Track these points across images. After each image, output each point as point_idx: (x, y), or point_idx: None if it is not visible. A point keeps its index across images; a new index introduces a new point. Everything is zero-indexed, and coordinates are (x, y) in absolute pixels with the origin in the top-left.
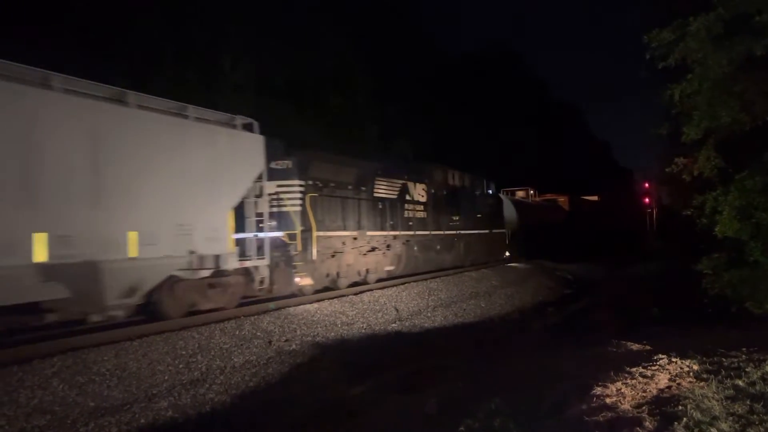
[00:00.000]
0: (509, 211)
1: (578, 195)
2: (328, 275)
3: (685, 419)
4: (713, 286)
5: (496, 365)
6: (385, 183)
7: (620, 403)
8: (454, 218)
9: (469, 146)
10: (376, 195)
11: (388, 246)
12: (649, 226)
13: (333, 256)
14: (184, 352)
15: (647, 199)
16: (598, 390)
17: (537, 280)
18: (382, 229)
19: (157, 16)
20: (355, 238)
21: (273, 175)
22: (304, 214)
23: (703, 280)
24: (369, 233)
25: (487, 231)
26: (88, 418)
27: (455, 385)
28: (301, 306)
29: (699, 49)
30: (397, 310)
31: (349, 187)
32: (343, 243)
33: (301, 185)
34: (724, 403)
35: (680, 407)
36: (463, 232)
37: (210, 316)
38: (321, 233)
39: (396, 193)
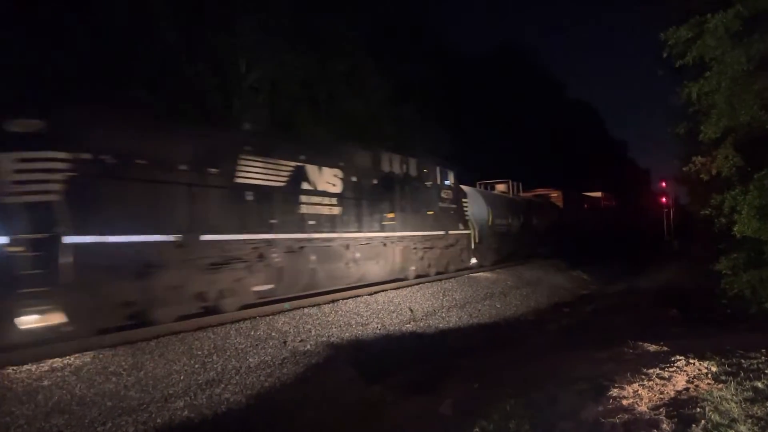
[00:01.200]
0: (479, 207)
1: (577, 190)
2: (110, 309)
3: (703, 421)
4: (732, 286)
5: (511, 366)
6: (259, 164)
7: (637, 404)
8: (388, 216)
9: (484, 146)
10: (240, 181)
11: (261, 256)
12: (667, 225)
13: (133, 276)
14: (200, 353)
15: (664, 199)
16: (614, 391)
17: (547, 283)
18: (248, 230)
19: (172, 17)
20: (180, 246)
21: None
22: (61, 206)
23: (722, 280)
24: (214, 237)
25: (441, 232)
26: (106, 418)
27: (470, 386)
28: (316, 306)
29: (717, 47)
30: (411, 311)
31: (181, 167)
32: (159, 253)
33: (55, 159)
34: (743, 405)
35: (698, 409)
36: (401, 234)
37: (225, 317)
38: (91, 239)
39: (283, 179)
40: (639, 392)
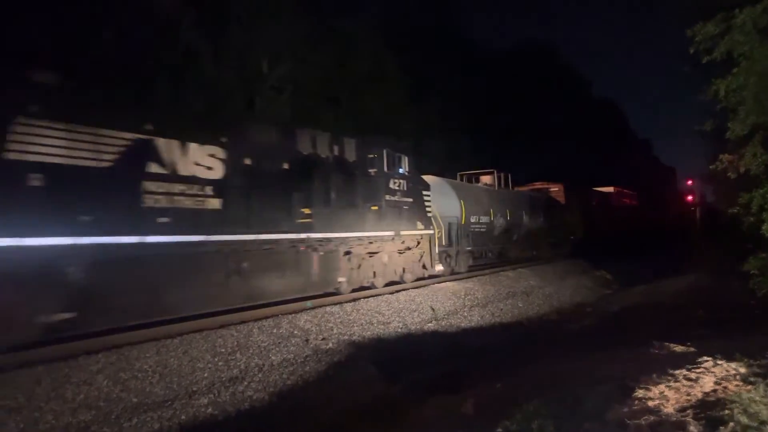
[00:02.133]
0: (448, 202)
1: (583, 185)
2: None
3: (731, 424)
4: (761, 287)
5: (534, 365)
6: (58, 134)
7: (663, 406)
8: (304, 212)
9: (505, 143)
10: (14, 157)
11: (54, 271)
12: (693, 224)
13: None
14: (223, 350)
15: (690, 197)
16: (640, 392)
17: (571, 282)
18: (29, 232)
19: (194, 17)
20: None
21: None
22: None
23: (750, 280)
24: None
25: (389, 233)
26: (131, 414)
27: (493, 386)
28: (338, 305)
29: (745, 42)
30: (433, 310)
31: None
32: None
33: None
34: None
35: (726, 411)
36: (322, 235)
37: (247, 315)
38: None
39: (109, 158)
40: (665, 393)
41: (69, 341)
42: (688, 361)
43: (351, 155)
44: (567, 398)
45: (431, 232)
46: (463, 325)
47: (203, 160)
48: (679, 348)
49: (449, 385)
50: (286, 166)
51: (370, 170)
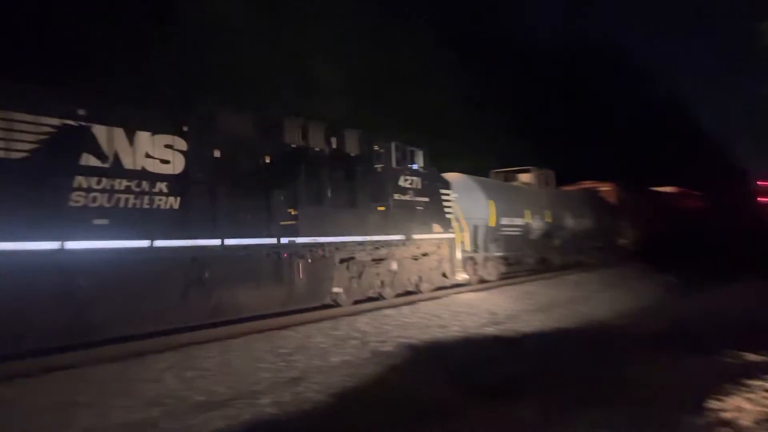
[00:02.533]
0: (475, 202)
1: (638, 184)
2: None
3: None
4: None
5: (598, 373)
6: None
7: (739, 418)
8: (291, 213)
9: (564, 144)
10: None
11: None
12: (766, 227)
13: None
14: (284, 350)
15: (764, 199)
16: (713, 404)
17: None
18: None
19: (243, 17)
20: None
21: None
22: None
23: None
24: None
25: (398, 237)
26: (197, 412)
27: (555, 393)
28: (395, 308)
29: None
30: (492, 314)
31: None
32: None
33: None
34: None
35: None
36: (310, 240)
37: (307, 316)
38: None
39: (27, 148)
40: (741, 405)
41: (139, 340)
42: (766, 372)
43: (353, 149)
44: (634, 408)
45: (452, 235)
46: (522, 329)
47: (157, 152)
48: (755, 357)
49: (509, 391)
50: (267, 159)
51: (376, 166)
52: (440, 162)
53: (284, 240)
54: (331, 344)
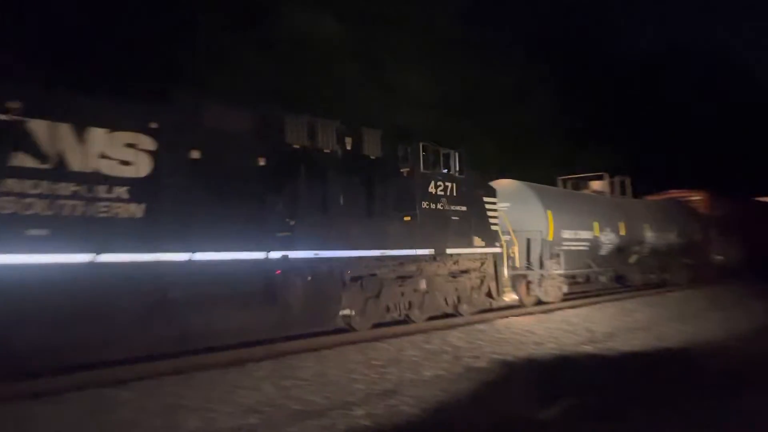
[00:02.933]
0: (528, 212)
1: (735, 194)
2: None
3: None
4: None
5: (710, 400)
6: None
7: None
8: (291, 223)
9: (659, 152)
10: None
11: None
12: None
13: None
14: (377, 362)
15: None
16: None
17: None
18: None
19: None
20: None
21: None
22: None
23: None
24: None
25: (426, 251)
26: (293, 421)
27: (659, 420)
28: (488, 323)
29: None
30: (590, 331)
31: None
32: None
33: None
34: None
35: None
36: (310, 255)
37: (399, 329)
38: None
39: None
40: None
41: (237, 348)
42: None
43: (373, 150)
44: None
45: (497, 250)
46: (622, 348)
47: (115, 152)
48: None
49: (607, 413)
50: (261, 162)
51: (401, 169)
52: (512, 170)
53: (275, 254)
54: (423, 358)
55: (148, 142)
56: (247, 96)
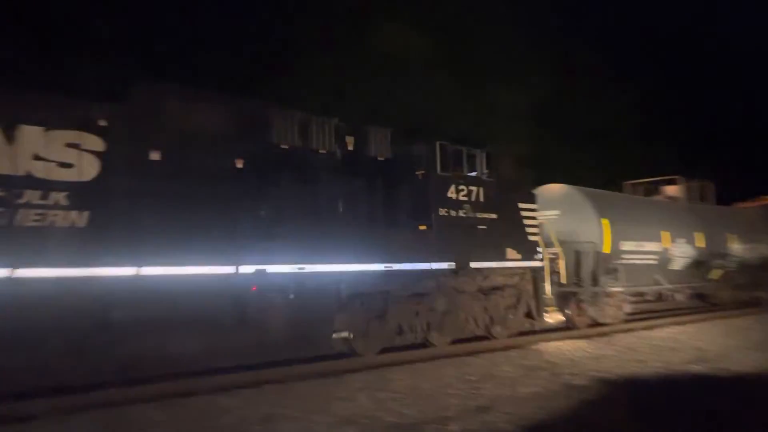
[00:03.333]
0: (582, 221)
1: None
2: None
3: None
4: None
5: None
6: None
7: None
8: (269, 233)
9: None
10: None
11: None
12: None
13: None
14: (471, 377)
15: None
16: None
17: None
18: None
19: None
20: None
21: None
22: None
23: None
24: None
25: (445, 264)
26: None
27: None
28: (587, 339)
29: None
30: (699, 350)
31: None
32: None
33: None
34: None
35: None
36: (296, 269)
37: (494, 344)
38: None
39: None
40: None
41: (334, 359)
42: None
43: (381, 151)
44: None
45: (537, 263)
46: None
47: (53, 153)
48: None
49: None
50: (238, 163)
51: (416, 172)
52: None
53: (248, 268)
54: (519, 374)
55: (94, 142)
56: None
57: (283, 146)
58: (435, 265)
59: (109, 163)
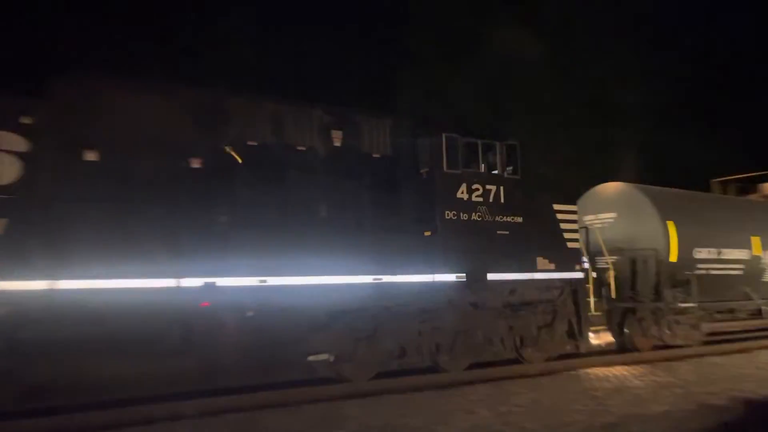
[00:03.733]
0: (641, 225)
1: None
2: None
3: None
4: None
5: None
6: None
7: None
8: (226, 242)
9: None
10: None
11: None
12: None
13: None
14: (598, 393)
15: None
16: None
17: None
18: None
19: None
20: None
21: None
22: None
23: None
24: None
25: (452, 276)
26: None
27: None
28: (723, 356)
29: None
30: None
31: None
32: None
33: None
34: None
35: None
36: (255, 281)
37: (619, 358)
38: None
39: None
40: None
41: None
42: None
43: (378, 146)
44: None
45: (576, 275)
46: None
47: None
48: None
49: None
50: (195, 163)
51: (420, 169)
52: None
53: (193, 282)
54: (649, 391)
55: (14, 141)
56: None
57: (249, 143)
58: (439, 277)
59: (33, 165)
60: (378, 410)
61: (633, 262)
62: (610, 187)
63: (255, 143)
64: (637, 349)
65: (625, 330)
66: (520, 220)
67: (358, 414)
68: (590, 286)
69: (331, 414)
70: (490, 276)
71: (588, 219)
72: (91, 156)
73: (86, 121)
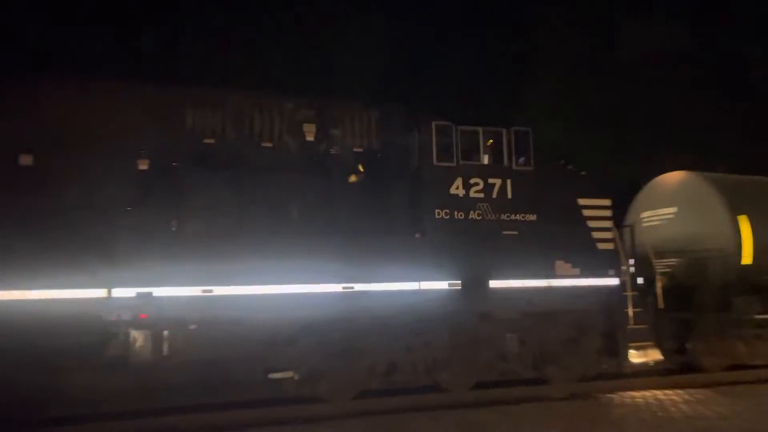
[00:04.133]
0: (703, 221)
1: None
2: None
3: None
4: None
5: None
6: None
7: None
8: (170, 249)
9: None
10: None
11: None
12: None
13: None
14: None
15: None
16: None
17: None
18: None
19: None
20: None
21: None
22: None
23: None
24: None
25: (444, 284)
26: None
27: None
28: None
29: None
30: None
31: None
32: None
33: None
34: None
35: None
36: (197, 291)
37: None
38: None
39: None
40: None
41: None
42: None
43: (360, 139)
44: None
45: (610, 281)
46: None
47: None
48: None
49: None
50: (142, 165)
51: (425, 165)
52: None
53: (125, 291)
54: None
55: None
56: None
57: (206, 141)
58: (427, 285)
59: None
60: (516, 418)
61: (695, 266)
62: (671, 177)
63: (212, 141)
64: (702, 370)
65: (687, 346)
66: (533, 218)
67: (496, 421)
68: (628, 293)
69: (465, 420)
70: (493, 283)
71: (645, 216)
72: (25, 160)
73: (22, 122)
